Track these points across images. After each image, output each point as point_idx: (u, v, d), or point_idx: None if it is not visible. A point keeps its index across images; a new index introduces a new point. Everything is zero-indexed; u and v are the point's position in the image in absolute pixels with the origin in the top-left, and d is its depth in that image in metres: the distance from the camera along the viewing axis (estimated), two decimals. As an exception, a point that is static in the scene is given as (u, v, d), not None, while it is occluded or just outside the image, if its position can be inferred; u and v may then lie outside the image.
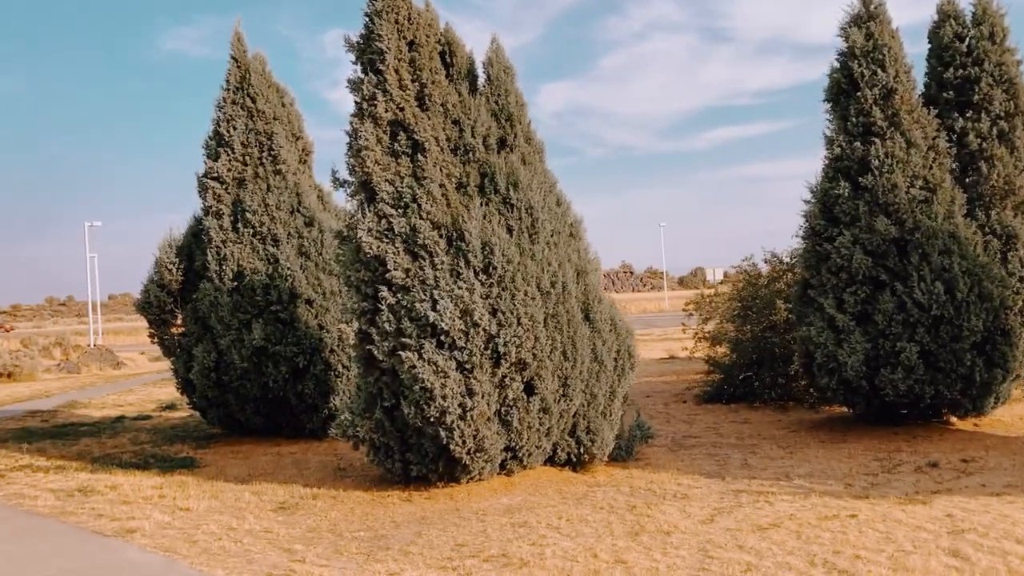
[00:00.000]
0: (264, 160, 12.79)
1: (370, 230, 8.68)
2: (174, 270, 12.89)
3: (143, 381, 25.78)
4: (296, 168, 13.10)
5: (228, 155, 12.72)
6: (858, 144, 10.82)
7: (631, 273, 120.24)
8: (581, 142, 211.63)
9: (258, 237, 12.49)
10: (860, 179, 10.69)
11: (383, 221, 8.70)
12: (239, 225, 12.54)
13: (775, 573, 5.54)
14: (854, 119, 10.93)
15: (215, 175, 12.70)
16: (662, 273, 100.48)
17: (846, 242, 10.54)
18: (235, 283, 12.32)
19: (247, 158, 12.77)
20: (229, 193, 12.71)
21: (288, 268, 12.25)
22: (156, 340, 13.31)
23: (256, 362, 12.05)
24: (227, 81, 13.00)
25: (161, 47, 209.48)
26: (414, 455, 8.72)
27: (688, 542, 6.34)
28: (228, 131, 12.75)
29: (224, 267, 12.34)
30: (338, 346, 12.25)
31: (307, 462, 10.83)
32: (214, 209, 12.66)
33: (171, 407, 17.41)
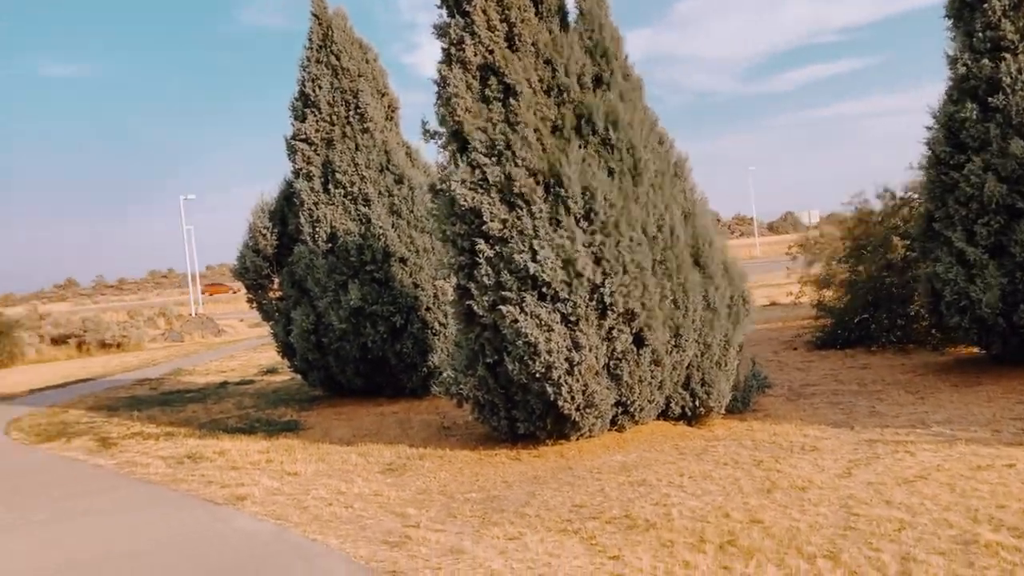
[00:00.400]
0: (351, 119, 12.54)
1: (464, 181, 8.31)
2: (268, 235, 12.84)
3: (243, 347, 26.37)
4: (383, 125, 12.81)
5: (315, 115, 12.53)
6: (986, 61, 9.84)
7: (718, 221, 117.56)
8: (660, 90, 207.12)
9: (349, 197, 12.29)
10: (989, 99, 9.74)
11: (477, 171, 8.31)
12: (330, 186, 12.37)
13: (934, 531, 5.00)
14: (980, 34, 9.94)
15: (303, 136, 12.54)
16: (751, 219, 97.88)
17: (976, 169, 9.65)
18: (329, 244, 12.19)
19: (334, 117, 12.55)
20: (318, 154, 12.54)
21: (380, 227, 12.03)
22: (254, 305, 13.36)
23: (354, 323, 11.93)
24: (309, 39, 12.76)
25: (239, 20, 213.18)
26: (520, 412, 8.41)
27: (827, 498, 5.85)
28: (314, 91, 12.54)
29: (317, 229, 12.21)
30: (434, 304, 12.03)
31: (410, 421, 10.68)
32: (304, 171, 12.52)
33: (272, 371, 17.63)
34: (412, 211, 12.35)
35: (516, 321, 7.84)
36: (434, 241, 12.32)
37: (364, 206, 12.22)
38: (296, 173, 12.69)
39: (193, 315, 40.04)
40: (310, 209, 12.33)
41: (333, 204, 12.27)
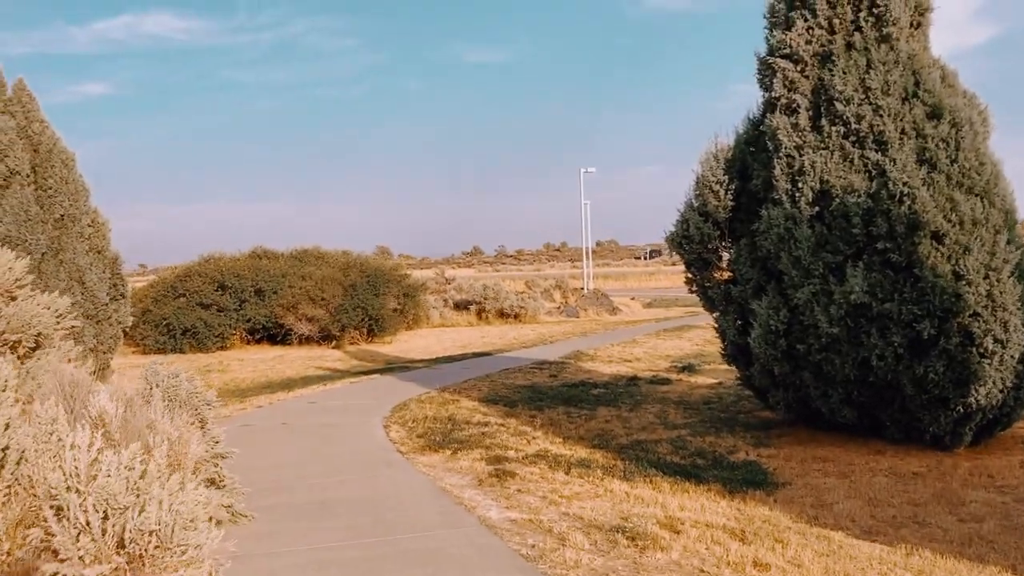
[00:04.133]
0: (861, 22, 8.44)
1: None
2: (721, 191, 9.26)
3: (643, 331, 23.46)
4: (908, 33, 8.55)
5: (806, 20, 8.64)
6: None
7: None
8: None
9: (852, 139, 8.25)
10: None
11: None
12: (822, 122, 8.43)
13: None
14: None
15: (786, 51, 8.71)
16: None
17: None
18: (816, 208, 8.28)
19: (835, 23, 8.54)
20: (807, 77, 8.64)
21: (904, 183, 7.84)
22: (694, 288, 9.88)
23: (851, 326, 7.92)
24: (803, -88, 8.85)
25: (644, 4, 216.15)
26: None
27: None
28: (806, -16, 8.64)
29: (800, 184, 8.35)
30: (986, 308, 7.59)
31: (960, 499, 6.48)
32: (784, 102, 8.71)
33: (689, 368, 14.22)
34: (955, 160, 7.97)
35: None
36: (990, 209, 7.87)
37: (877, 151, 8.10)
38: (770, 105, 8.92)
39: (586, 290, 38.45)
40: (790, 155, 8.50)
41: (826, 148, 8.32)
